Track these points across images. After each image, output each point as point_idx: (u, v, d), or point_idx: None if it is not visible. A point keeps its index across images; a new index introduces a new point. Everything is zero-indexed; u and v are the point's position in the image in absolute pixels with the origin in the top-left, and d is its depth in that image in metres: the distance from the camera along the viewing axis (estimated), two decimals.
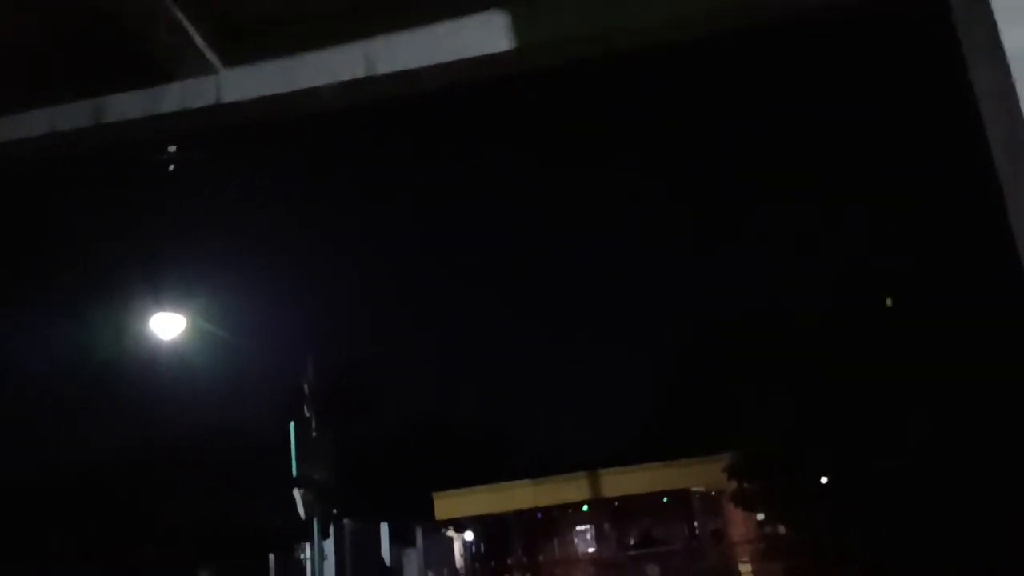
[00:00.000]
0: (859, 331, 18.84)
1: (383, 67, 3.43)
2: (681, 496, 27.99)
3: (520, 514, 29.36)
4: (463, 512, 29.97)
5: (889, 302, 18.88)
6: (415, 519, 32.99)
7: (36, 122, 3.70)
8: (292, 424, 15.57)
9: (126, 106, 3.63)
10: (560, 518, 31.03)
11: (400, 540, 35.32)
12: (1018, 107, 2.11)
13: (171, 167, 8.95)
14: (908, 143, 19.15)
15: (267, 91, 3.56)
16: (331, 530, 16.39)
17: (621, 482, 27.88)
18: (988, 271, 14.50)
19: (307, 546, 18.41)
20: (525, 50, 3.31)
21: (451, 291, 60.63)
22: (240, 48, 3.56)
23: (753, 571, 24.33)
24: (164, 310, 15.26)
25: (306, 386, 16.66)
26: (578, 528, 31.48)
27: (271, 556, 30.42)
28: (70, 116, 3.66)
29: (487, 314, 59.60)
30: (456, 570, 33.18)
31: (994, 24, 2.22)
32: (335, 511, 16.65)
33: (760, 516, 24.40)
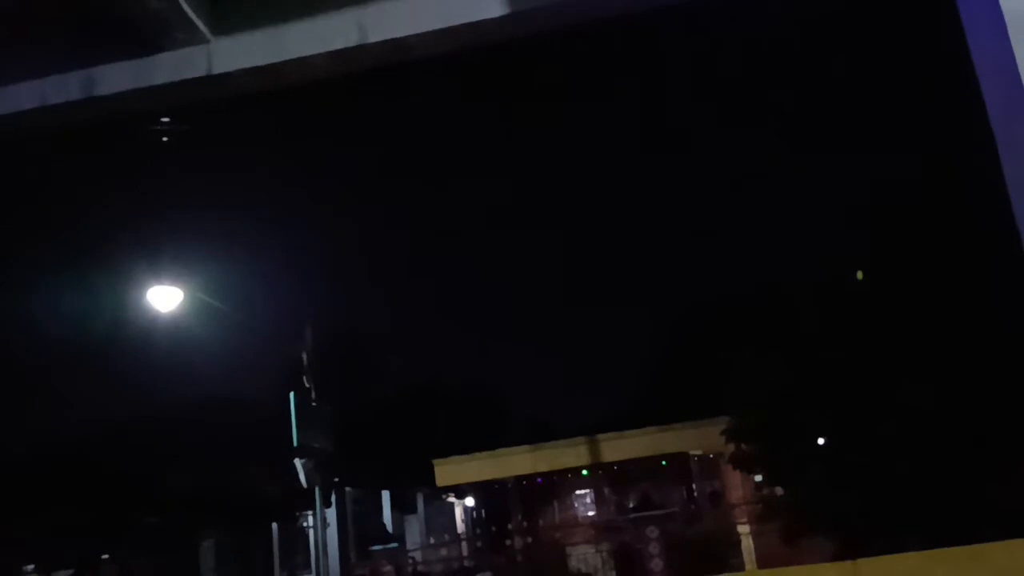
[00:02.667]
0: (856, 297, 18.89)
1: (376, 35, 3.40)
2: (679, 459, 28.20)
3: (520, 479, 29.57)
4: (464, 479, 30.17)
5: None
6: (416, 486, 33.20)
7: (27, 95, 3.65)
8: (292, 394, 15.65)
9: (117, 77, 3.57)
10: (560, 483, 31.27)
11: (402, 507, 35.65)
12: (1015, 69, 2.09)
13: (164, 139, 8.88)
14: (907, 108, 19.06)
15: (258, 60, 3.51)
16: (333, 498, 16.53)
17: (620, 447, 28.07)
18: (983, 239, 14.52)
19: (309, 514, 18.59)
20: (517, 16, 3.28)
21: (450, 259, 60.62)
22: (230, 16, 3.51)
23: (751, 532, 24.57)
24: (162, 283, 15.25)
25: (305, 356, 16.71)
26: (578, 493, 31.76)
27: (274, 525, 30.68)
28: (61, 89, 3.61)
29: (487, 282, 59.66)
30: (458, 535, 33.52)
31: None
32: (336, 479, 16.77)
33: (758, 478, 24.58)
